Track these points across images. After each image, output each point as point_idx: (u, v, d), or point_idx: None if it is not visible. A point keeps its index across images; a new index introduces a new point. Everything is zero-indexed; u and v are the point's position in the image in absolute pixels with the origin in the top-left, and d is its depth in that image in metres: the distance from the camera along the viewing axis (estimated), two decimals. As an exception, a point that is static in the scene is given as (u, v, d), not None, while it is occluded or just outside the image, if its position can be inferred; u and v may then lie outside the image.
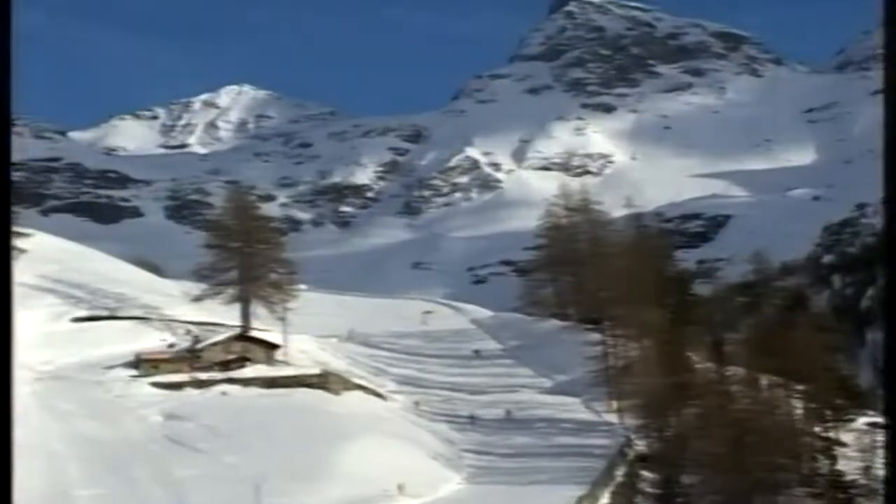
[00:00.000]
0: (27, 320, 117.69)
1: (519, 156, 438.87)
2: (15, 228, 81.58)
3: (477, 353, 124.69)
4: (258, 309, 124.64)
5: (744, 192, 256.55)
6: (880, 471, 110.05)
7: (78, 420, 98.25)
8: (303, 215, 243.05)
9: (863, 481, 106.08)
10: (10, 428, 4.15)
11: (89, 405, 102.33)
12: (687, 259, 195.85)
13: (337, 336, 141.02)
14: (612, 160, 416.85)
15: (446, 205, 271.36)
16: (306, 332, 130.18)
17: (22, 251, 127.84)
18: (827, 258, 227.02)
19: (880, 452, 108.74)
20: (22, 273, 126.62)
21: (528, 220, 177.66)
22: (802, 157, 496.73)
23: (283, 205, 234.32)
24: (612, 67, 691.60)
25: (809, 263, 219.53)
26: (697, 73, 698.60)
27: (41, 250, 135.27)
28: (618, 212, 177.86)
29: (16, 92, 6.01)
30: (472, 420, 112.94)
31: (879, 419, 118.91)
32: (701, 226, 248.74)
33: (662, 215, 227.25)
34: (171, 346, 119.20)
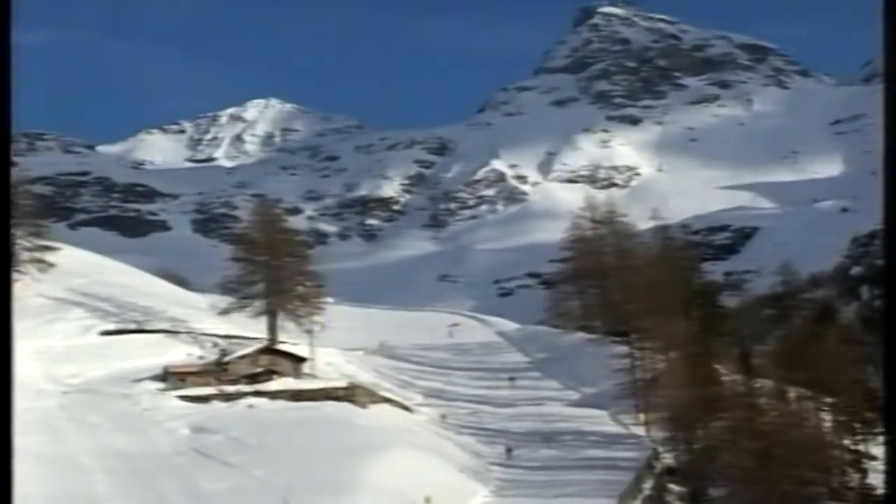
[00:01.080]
0: (55, 334, 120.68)
1: (545, 168, 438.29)
2: (44, 242, 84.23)
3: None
4: (285, 322, 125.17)
5: (771, 204, 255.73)
6: None
7: (106, 433, 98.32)
8: (329, 228, 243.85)
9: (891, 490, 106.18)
10: (10, 428, 4.39)
11: (117, 418, 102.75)
12: (714, 271, 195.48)
13: (364, 349, 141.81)
14: (639, 172, 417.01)
15: (472, 217, 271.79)
16: (333, 344, 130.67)
17: (51, 265, 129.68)
18: (855, 270, 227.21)
19: None
20: (51, 286, 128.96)
21: (554, 233, 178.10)
22: (829, 168, 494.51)
23: (310, 218, 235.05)
24: (637, 79, 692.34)
25: (838, 275, 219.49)
26: (724, 85, 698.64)
27: (70, 264, 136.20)
28: (644, 224, 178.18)
29: (16, 100, 5.86)
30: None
31: None
32: (728, 238, 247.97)
33: (689, 227, 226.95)
34: (200, 358, 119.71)
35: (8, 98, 3.83)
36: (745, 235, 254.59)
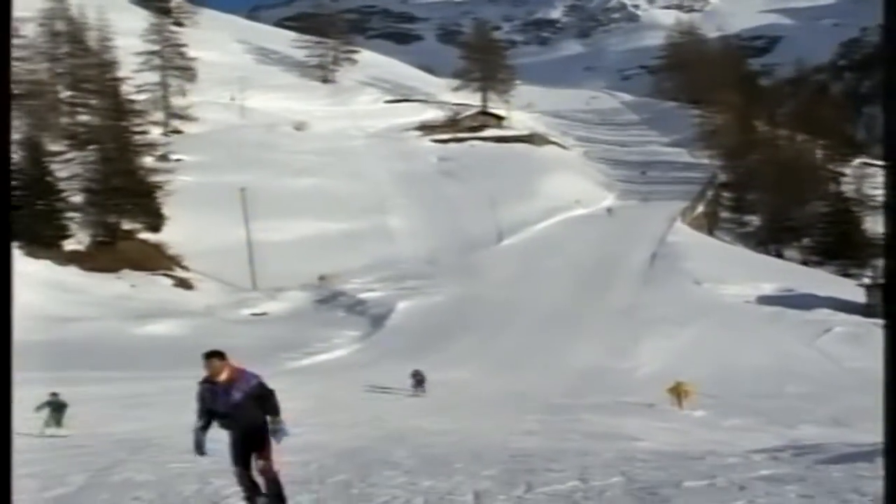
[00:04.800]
0: (358, 101, 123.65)
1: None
2: (349, 47, 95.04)
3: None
4: (492, 95, 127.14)
5: (791, 21, 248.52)
6: (868, 191, 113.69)
7: (389, 160, 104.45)
8: (518, 38, 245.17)
9: (855, 196, 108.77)
10: (9, 427, 3.15)
11: (397, 152, 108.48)
12: (754, 64, 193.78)
13: (540, 112, 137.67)
14: (710, 1, 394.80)
15: (605, 31, 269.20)
16: (520, 109, 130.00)
17: (355, 61, 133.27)
18: (841, 62, 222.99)
19: (867, 180, 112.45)
20: (354, 74, 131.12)
21: (658, 40, 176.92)
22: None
23: (507, 31, 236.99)
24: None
25: (830, 66, 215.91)
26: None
27: (365, 60, 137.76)
28: (712, 35, 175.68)
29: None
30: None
31: (869, 160, 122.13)
32: (763, 42, 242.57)
33: (740, 36, 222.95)
34: (450, 116, 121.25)
35: (8, 95, 2.72)
36: (773, 41, 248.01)
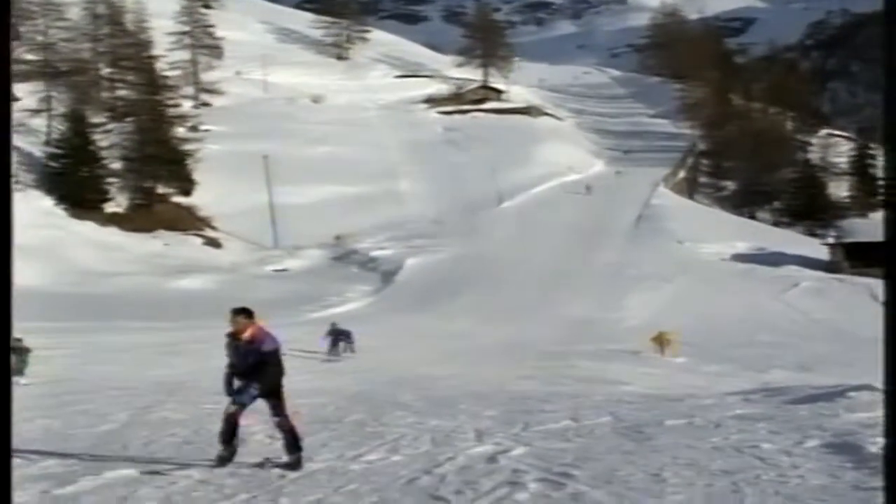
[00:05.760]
0: (369, 77, 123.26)
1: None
2: (361, 27, 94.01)
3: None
4: (492, 70, 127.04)
5: (764, 4, 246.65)
6: (833, 159, 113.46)
7: (398, 131, 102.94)
8: (516, 19, 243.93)
9: (820, 164, 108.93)
10: (9, 427, 2.86)
11: (406, 123, 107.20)
12: (731, 43, 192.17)
13: (537, 86, 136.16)
14: None
15: (596, 13, 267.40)
16: (518, 82, 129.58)
17: (367, 40, 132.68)
18: (808, 42, 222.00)
19: (832, 149, 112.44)
20: (366, 51, 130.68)
21: (643, 21, 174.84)
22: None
23: (506, 13, 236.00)
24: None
25: (799, 45, 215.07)
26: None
27: (377, 39, 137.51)
28: (693, 16, 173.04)
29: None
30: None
31: (833, 131, 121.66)
32: (739, 24, 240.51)
33: (718, 18, 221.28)
34: (454, 90, 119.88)
35: (8, 92, 2.52)
36: (749, 22, 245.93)
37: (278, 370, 8.53)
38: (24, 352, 19.78)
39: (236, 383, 8.55)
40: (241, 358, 8.42)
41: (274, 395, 8.52)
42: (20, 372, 18.92)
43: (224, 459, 8.51)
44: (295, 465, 8.52)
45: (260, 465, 8.52)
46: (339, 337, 28.83)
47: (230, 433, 8.54)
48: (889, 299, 1.96)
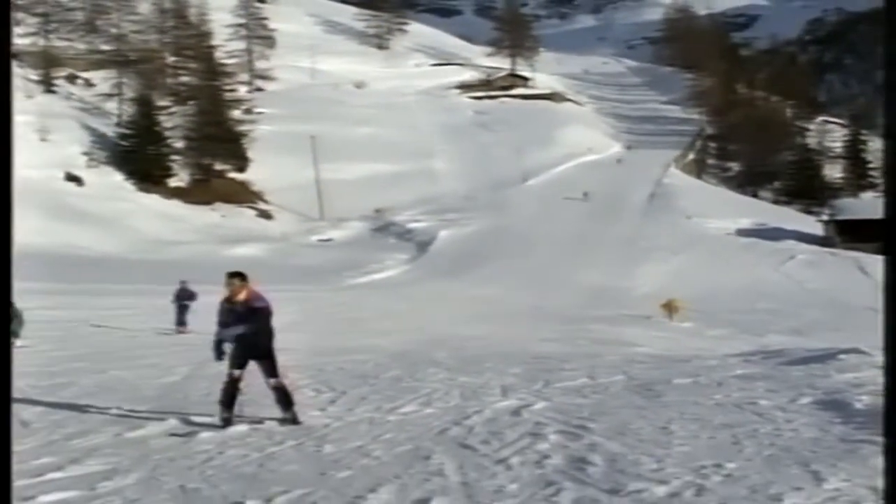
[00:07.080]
0: (408, 65, 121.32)
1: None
2: (399, 19, 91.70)
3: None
4: (519, 59, 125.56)
5: (767, 2, 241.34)
6: (828, 144, 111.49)
7: (434, 114, 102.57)
8: (541, 13, 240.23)
9: (817, 148, 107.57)
10: (9, 426, 2.42)
11: (440, 107, 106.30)
12: (736, 37, 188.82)
13: (560, 74, 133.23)
14: None
15: (614, 8, 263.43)
16: (544, 71, 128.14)
17: (405, 31, 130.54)
18: (807, 37, 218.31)
19: (827, 135, 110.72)
20: (405, 42, 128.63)
21: (658, 15, 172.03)
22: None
23: (532, 7, 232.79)
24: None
25: (798, 40, 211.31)
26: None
27: (414, 31, 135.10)
28: (703, 12, 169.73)
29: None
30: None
31: (829, 118, 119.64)
32: (744, 20, 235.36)
33: (725, 14, 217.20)
34: (484, 77, 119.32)
35: (9, 91, 2.17)
36: (753, 18, 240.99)
37: (269, 329, 8.26)
38: (16, 314, 16.61)
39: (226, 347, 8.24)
40: (238, 319, 8.12)
41: (267, 358, 8.30)
42: (16, 334, 15.79)
43: (228, 421, 8.28)
44: (293, 420, 8.37)
45: (259, 422, 8.32)
46: (185, 300, 21.72)
47: (231, 397, 8.29)
48: (888, 279, 1.89)
